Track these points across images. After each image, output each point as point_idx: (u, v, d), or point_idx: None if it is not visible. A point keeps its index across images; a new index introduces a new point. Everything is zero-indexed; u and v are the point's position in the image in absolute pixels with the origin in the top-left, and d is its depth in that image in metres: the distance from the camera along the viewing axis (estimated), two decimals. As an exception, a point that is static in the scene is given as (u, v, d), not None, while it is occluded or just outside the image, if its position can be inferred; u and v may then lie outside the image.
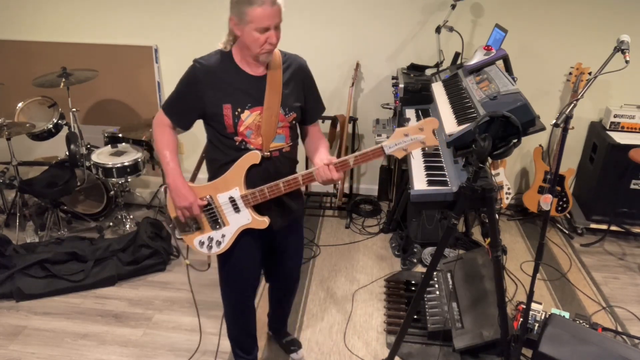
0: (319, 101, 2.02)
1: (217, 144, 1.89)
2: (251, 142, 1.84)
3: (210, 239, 1.97)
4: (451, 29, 3.40)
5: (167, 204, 2.00)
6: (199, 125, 1.95)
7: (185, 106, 1.86)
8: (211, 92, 1.79)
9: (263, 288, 2.97)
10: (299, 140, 2.03)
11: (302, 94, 1.91)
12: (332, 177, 1.77)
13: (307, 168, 3.14)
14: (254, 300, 2.24)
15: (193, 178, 2.45)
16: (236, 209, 1.90)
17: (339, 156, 3.55)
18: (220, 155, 1.89)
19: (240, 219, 1.91)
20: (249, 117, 1.80)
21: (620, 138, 3.44)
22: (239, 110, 1.79)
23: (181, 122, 1.89)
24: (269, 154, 1.86)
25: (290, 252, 2.20)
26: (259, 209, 1.92)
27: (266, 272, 2.32)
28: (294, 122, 1.91)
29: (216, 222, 1.94)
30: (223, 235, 1.95)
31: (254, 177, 1.86)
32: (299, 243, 2.24)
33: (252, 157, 1.83)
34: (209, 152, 1.96)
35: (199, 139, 2.03)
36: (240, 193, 1.86)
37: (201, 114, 1.86)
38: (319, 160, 1.84)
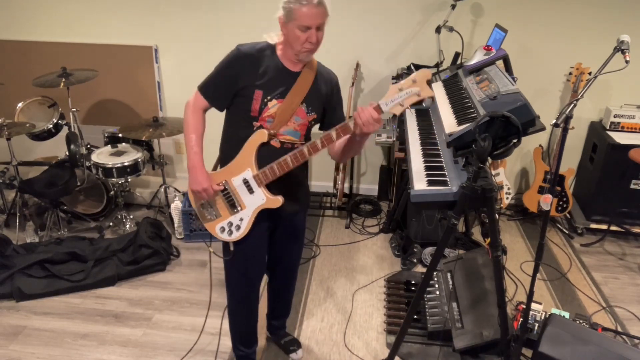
0: (342, 111, 2.11)
1: (235, 126, 1.97)
2: (268, 129, 1.92)
3: (230, 224, 2.05)
4: (451, 29, 3.40)
5: (188, 193, 2.10)
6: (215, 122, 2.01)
7: (221, 87, 1.93)
8: (247, 75, 1.87)
9: (264, 288, 2.97)
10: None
11: (327, 99, 2.01)
12: (373, 114, 1.73)
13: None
14: (258, 291, 2.26)
15: (215, 168, 2.51)
16: (250, 190, 1.98)
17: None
18: (236, 138, 1.96)
19: (256, 200, 1.98)
20: (274, 107, 1.89)
21: (620, 138, 3.44)
22: (268, 98, 1.88)
23: (217, 102, 1.97)
24: (276, 141, 1.92)
25: (292, 242, 2.27)
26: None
27: (267, 262, 2.35)
28: (312, 122, 1.99)
29: (233, 206, 2.02)
30: (241, 219, 2.02)
31: (264, 164, 1.93)
32: (301, 235, 2.31)
33: (260, 136, 1.90)
34: (224, 136, 2.04)
35: (215, 134, 2.13)
36: (252, 173, 1.94)
37: (234, 95, 1.93)
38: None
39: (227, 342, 2.56)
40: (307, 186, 2.19)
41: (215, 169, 2.49)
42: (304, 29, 1.76)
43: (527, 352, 2.47)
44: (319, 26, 1.79)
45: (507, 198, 3.67)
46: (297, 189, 2.08)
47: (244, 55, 1.87)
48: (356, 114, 1.77)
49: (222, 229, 2.06)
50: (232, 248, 2.11)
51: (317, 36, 1.80)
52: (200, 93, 1.97)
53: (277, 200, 1.97)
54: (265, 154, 1.92)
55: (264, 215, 2.02)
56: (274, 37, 1.92)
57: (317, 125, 2.11)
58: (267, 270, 2.36)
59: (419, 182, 2.15)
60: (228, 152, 2.00)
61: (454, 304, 2.64)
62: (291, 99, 1.90)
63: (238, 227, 2.04)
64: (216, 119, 2.09)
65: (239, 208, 2.02)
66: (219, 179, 2.01)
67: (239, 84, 1.88)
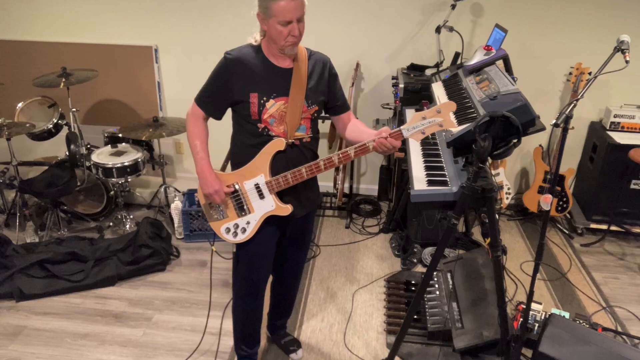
0: (342, 93, 2.10)
1: (241, 129, 1.99)
2: (273, 130, 1.93)
3: (236, 226, 2.05)
4: (451, 29, 3.40)
5: (197, 192, 2.12)
6: (222, 124, 2.04)
7: (216, 96, 1.95)
8: (240, 81, 1.88)
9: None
10: (319, 135, 2.10)
11: (326, 88, 2.00)
12: (395, 144, 1.82)
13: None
14: (264, 291, 2.26)
15: (223, 168, 2.52)
16: (261, 195, 1.99)
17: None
18: (243, 138, 1.99)
19: (265, 206, 2.00)
20: (273, 107, 1.89)
21: (620, 138, 3.44)
22: (265, 99, 1.88)
23: (213, 112, 2.00)
24: (292, 141, 1.95)
25: (300, 243, 2.27)
26: (280, 198, 2.01)
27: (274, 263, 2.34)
28: (315, 114, 1.99)
29: (242, 208, 2.03)
30: (248, 222, 2.03)
31: (276, 165, 1.95)
32: (308, 236, 2.32)
33: (278, 144, 1.92)
34: (233, 136, 2.06)
35: (222, 136, 2.13)
36: (265, 179, 1.96)
37: (231, 103, 1.95)
38: (370, 136, 1.90)
39: (227, 342, 2.57)
40: (317, 187, 2.20)
41: (223, 169, 2.50)
42: (285, 23, 1.75)
43: (527, 352, 2.47)
44: (299, 18, 1.78)
45: (507, 198, 3.67)
46: (307, 192, 2.08)
47: (232, 62, 1.88)
48: (376, 145, 1.82)
49: (228, 230, 2.07)
50: (234, 250, 2.12)
51: (299, 28, 1.79)
52: (197, 104, 1.99)
53: (287, 209, 1.98)
54: (276, 154, 1.94)
55: (273, 218, 2.02)
56: (257, 36, 1.92)
57: (322, 118, 2.11)
58: (273, 271, 2.36)
59: (419, 182, 2.15)
60: (239, 157, 2.02)
61: (454, 304, 2.65)
62: (294, 101, 1.90)
63: (244, 230, 2.04)
64: (218, 122, 2.10)
65: (247, 211, 2.02)
66: (229, 181, 2.01)
67: (232, 91, 1.89)
